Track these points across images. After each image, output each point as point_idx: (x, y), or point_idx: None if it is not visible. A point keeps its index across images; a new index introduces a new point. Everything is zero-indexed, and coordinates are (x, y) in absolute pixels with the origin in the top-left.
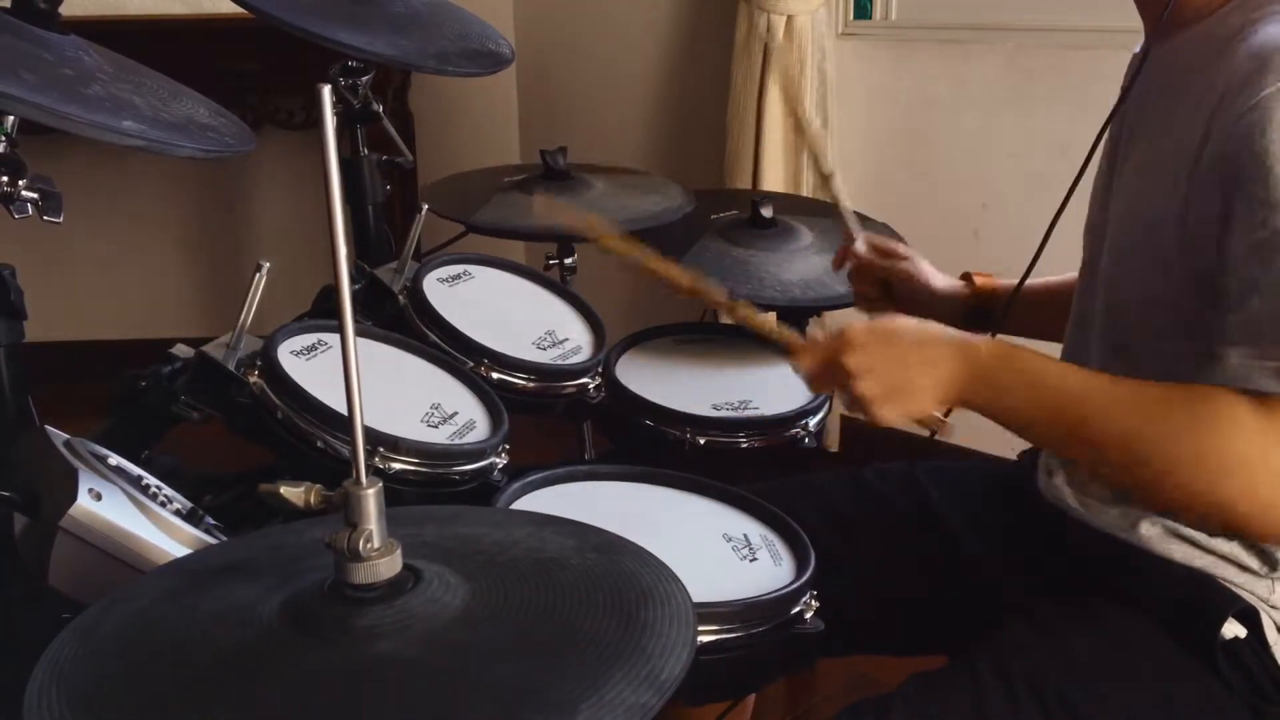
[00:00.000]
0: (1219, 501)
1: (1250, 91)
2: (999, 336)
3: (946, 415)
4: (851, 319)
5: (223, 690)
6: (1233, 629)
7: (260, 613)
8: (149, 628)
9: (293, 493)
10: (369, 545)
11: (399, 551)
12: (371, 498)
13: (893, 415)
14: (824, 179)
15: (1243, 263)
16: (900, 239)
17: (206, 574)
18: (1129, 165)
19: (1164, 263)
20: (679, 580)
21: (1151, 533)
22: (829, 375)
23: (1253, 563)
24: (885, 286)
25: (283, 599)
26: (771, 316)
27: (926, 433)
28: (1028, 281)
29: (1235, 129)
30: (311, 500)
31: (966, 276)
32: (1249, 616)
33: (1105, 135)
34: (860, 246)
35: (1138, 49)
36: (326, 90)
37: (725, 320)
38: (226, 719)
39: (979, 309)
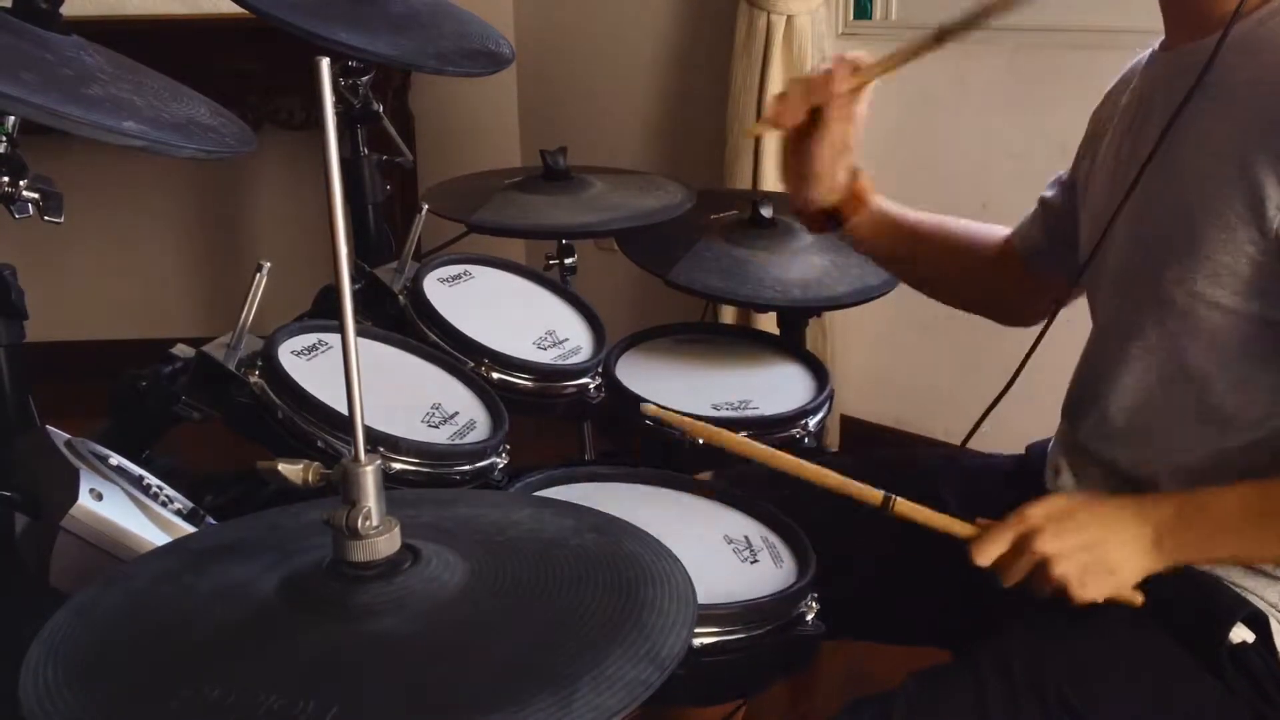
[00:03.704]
0: None
1: None
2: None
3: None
4: (854, 319)
5: (221, 666)
6: (1240, 633)
7: (259, 590)
8: (147, 605)
9: (291, 470)
10: (367, 523)
11: (398, 529)
12: (370, 475)
13: (1095, 594)
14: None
15: None
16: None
17: (205, 554)
18: (1158, 162)
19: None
20: (677, 559)
21: None
22: (1020, 563)
23: (1265, 564)
24: (811, 122)
25: (281, 577)
26: (936, 517)
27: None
28: (904, 211)
29: None
30: (310, 478)
31: (856, 174)
32: (1257, 621)
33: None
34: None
35: (1155, 47)
36: (325, 62)
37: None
38: (224, 694)
39: (835, 213)
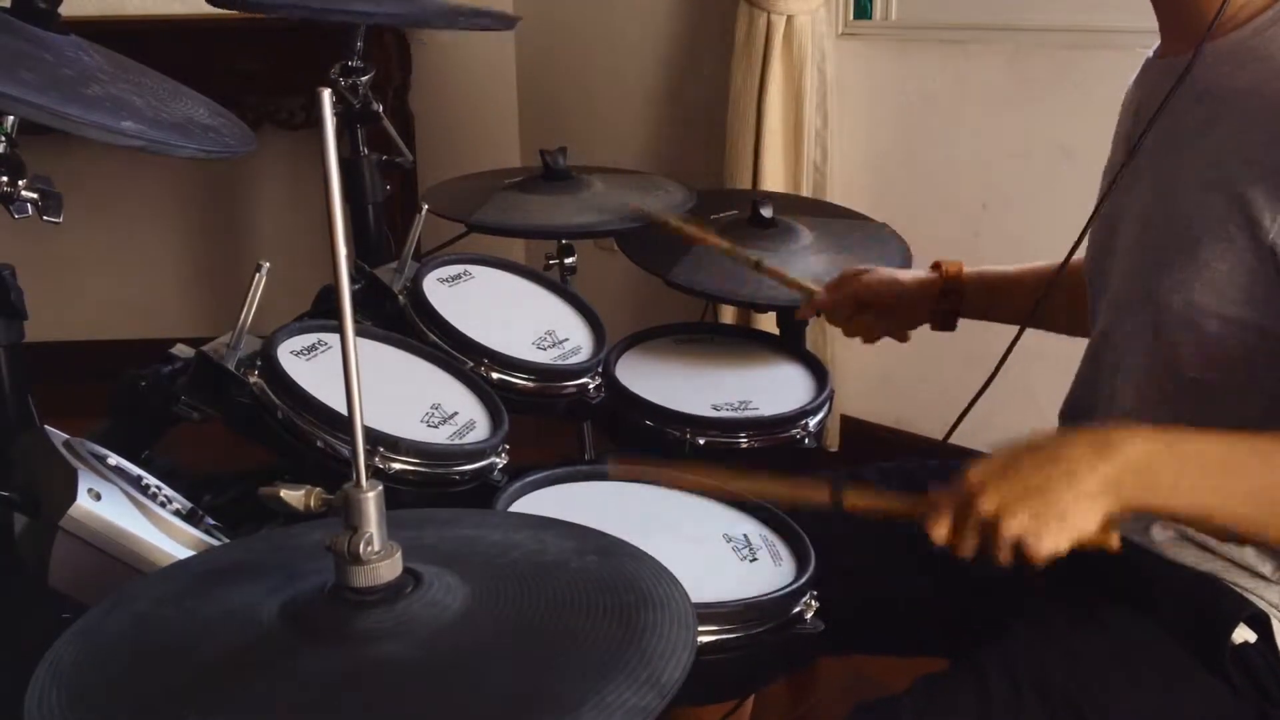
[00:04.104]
0: None
1: None
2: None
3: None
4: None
5: (223, 693)
6: (1242, 634)
7: (260, 616)
8: (150, 631)
9: (292, 496)
10: (369, 549)
11: (399, 555)
12: (372, 501)
13: (1057, 543)
14: (755, 266)
15: None
16: (900, 240)
17: (207, 577)
18: (1157, 172)
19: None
20: (678, 583)
21: (1163, 537)
22: (971, 530)
23: (1265, 569)
24: (856, 305)
25: (283, 602)
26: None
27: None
28: (995, 269)
29: None
30: (311, 503)
31: (936, 266)
32: (1259, 622)
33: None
34: (820, 300)
35: (1151, 53)
36: (327, 94)
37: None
38: None
39: (947, 295)
